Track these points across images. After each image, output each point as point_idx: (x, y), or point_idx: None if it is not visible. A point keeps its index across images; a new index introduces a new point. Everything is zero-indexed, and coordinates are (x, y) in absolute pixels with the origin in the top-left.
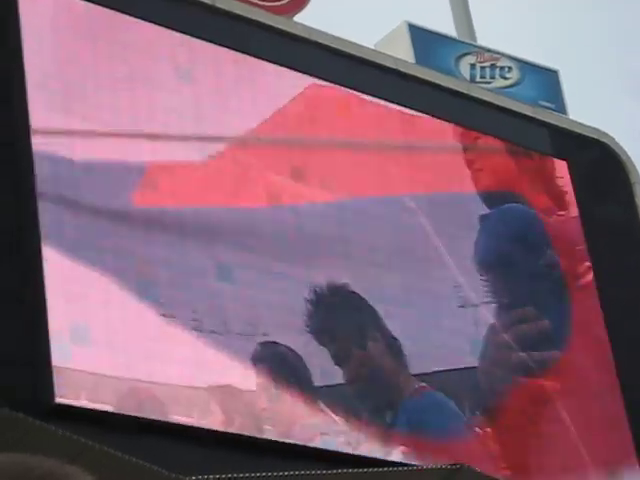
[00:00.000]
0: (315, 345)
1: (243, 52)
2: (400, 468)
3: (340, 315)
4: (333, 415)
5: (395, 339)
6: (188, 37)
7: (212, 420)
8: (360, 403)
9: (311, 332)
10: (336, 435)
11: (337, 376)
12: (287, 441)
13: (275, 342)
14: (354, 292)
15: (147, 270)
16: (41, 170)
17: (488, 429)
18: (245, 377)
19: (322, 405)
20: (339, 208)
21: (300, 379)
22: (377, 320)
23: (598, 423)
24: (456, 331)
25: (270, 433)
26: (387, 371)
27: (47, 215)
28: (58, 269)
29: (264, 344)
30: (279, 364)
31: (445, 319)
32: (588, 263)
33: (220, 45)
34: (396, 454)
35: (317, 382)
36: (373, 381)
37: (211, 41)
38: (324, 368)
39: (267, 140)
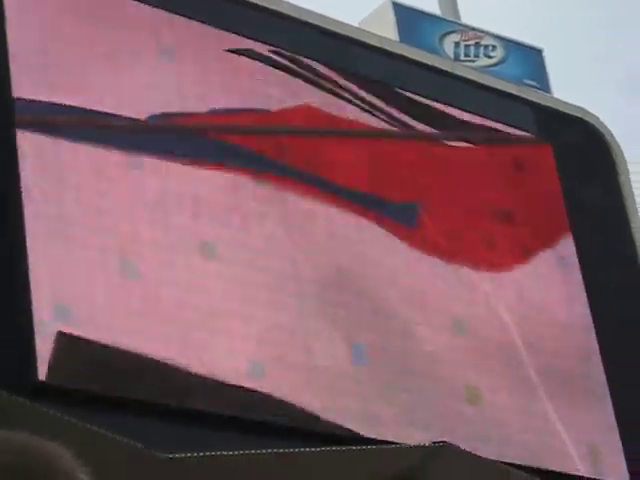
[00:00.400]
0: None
1: (226, 30)
2: (381, 447)
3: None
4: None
5: None
6: (172, 15)
7: (197, 399)
8: None
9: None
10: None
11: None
12: (268, 420)
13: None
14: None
15: (131, 248)
16: (23, 146)
17: None
18: (231, 355)
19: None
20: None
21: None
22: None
23: (580, 398)
24: None
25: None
26: None
27: (31, 192)
28: (41, 247)
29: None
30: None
31: None
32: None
33: (204, 23)
34: None
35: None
36: None
37: (196, 19)
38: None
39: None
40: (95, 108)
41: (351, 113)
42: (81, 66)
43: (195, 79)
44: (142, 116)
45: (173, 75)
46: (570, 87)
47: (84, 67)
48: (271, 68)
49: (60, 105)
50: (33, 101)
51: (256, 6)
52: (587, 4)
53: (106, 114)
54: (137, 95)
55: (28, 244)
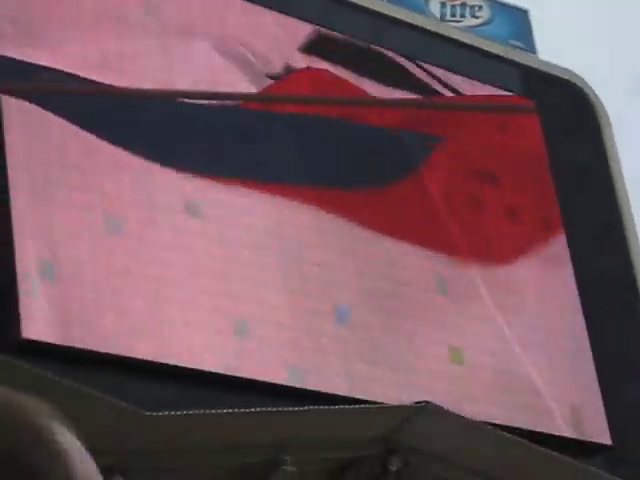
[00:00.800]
0: None
1: None
2: (364, 406)
3: None
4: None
5: None
6: None
7: (179, 355)
8: None
9: None
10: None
11: None
12: (249, 377)
13: None
14: None
15: (114, 207)
16: (9, 109)
17: None
18: (215, 313)
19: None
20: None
21: None
22: None
23: (562, 360)
24: None
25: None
26: None
27: (15, 152)
28: (25, 205)
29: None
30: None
31: None
32: None
33: None
34: None
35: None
36: None
37: None
38: None
39: None
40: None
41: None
42: (64, 26)
43: (179, 39)
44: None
45: (157, 33)
46: (556, 46)
47: (67, 27)
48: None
49: (42, 67)
50: (13, 60)
51: None
52: None
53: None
54: (123, 54)
55: (12, 203)
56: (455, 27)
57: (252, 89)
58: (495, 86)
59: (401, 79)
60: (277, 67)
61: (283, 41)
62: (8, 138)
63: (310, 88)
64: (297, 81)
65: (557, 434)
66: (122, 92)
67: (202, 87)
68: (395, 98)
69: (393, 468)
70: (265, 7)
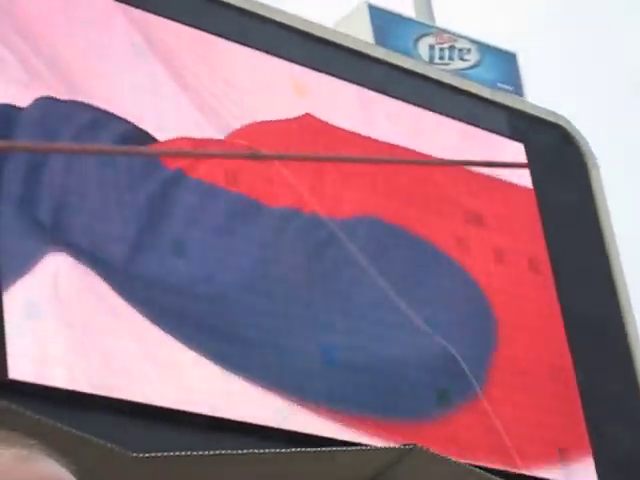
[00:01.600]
0: None
1: (199, 29)
2: (350, 448)
3: None
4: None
5: None
6: (144, 12)
7: (164, 397)
8: None
9: None
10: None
11: None
12: (234, 419)
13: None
14: None
15: (101, 246)
16: None
17: None
18: (197, 357)
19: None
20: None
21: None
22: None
23: (549, 407)
24: None
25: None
26: None
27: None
28: (11, 244)
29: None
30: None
31: None
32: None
33: (176, 21)
34: None
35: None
36: None
37: (168, 17)
38: None
39: None
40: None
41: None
42: (55, 62)
43: (169, 78)
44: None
45: (147, 74)
46: (544, 87)
47: (59, 63)
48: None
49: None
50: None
51: (230, 6)
52: (559, 10)
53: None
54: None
55: None
56: (443, 70)
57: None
58: (483, 129)
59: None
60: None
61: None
62: None
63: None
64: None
65: (544, 477)
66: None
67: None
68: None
69: None
70: (254, 47)
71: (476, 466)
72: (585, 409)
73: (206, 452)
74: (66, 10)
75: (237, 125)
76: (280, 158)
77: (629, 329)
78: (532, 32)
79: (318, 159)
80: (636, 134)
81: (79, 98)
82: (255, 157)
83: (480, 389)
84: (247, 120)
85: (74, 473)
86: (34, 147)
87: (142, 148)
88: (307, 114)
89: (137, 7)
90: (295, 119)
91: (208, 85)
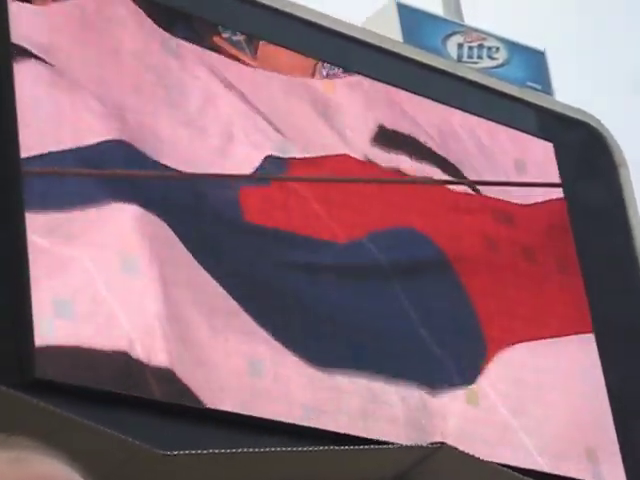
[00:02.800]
0: None
1: (224, 26)
2: (376, 446)
3: None
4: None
5: None
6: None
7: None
8: None
9: None
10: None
11: None
12: (262, 417)
13: None
14: None
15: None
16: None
17: None
18: (227, 354)
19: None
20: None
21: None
22: None
23: (578, 401)
24: None
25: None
26: None
27: (31, 189)
28: (42, 242)
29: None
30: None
31: None
32: None
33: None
34: None
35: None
36: None
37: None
38: None
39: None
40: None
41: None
42: (85, 63)
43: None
44: None
45: (177, 70)
46: (573, 85)
47: (88, 64)
48: None
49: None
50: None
51: (255, 3)
52: (588, 7)
53: None
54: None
55: (29, 240)
56: (472, 68)
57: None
58: (512, 127)
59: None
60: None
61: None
62: (27, 177)
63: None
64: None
65: (573, 477)
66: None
67: None
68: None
69: None
70: (279, 45)
71: (504, 465)
72: (614, 412)
73: (233, 450)
74: None
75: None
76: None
77: None
78: (562, 30)
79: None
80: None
81: None
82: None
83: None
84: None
85: (83, 470)
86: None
87: None
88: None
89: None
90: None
91: None
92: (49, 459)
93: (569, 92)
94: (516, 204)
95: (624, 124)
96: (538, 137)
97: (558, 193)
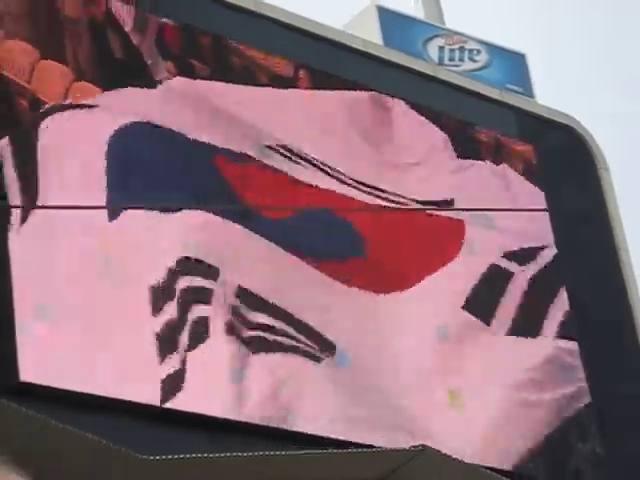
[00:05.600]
0: None
1: (211, 32)
2: (360, 449)
3: None
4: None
5: None
6: None
7: (178, 399)
8: None
9: None
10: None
11: None
12: (247, 421)
13: None
14: None
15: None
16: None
17: None
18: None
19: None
20: None
21: None
22: None
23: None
24: None
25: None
26: None
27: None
28: (23, 248)
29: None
30: None
31: None
32: None
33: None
34: None
35: None
36: None
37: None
38: None
39: None
40: None
41: None
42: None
43: None
44: None
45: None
46: (554, 88)
47: None
48: None
49: None
50: None
51: (240, 8)
52: (572, 10)
53: None
54: None
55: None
56: (453, 71)
57: None
58: (493, 129)
59: None
60: None
61: None
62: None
63: None
64: None
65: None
66: None
67: None
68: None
69: None
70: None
71: (486, 467)
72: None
73: (213, 454)
74: None
75: None
76: None
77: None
78: (542, 33)
79: None
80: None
81: None
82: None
83: None
84: None
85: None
86: None
87: None
88: None
89: None
90: None
91: None
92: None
93: (555, 95)
94: None
95: (612, 127)
96: (519, 139)
97: None
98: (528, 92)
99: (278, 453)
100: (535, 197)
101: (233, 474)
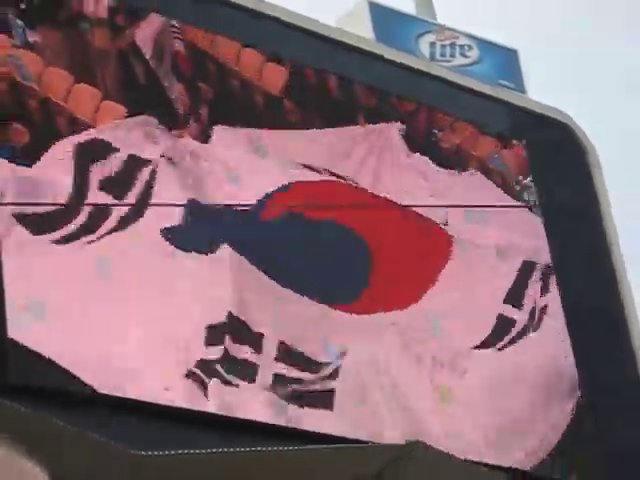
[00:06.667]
0: None
1: (202, 28)
2: (355, 445)
3: None
4: None
5: None
6: None
7: (171, 395)
8: None
9: None
10: None
11: None
12: (236, 416)
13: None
14: None
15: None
16: None
17: None
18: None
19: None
20: None
21: None
22: None
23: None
24: None
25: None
26: None
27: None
28: (16, 246)
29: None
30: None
31: None
32: None
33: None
34: None
35: None
36: None
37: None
38: None
39: None
40: None
41: None
42: None
43: None
44: None
45: None
46: (546, 84)
47: None
48: None
49: None
50: None
51: (236, 5)
52: (562, 4)
53: None
54: None
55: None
56: (445, 67)
57: None
58: (484, 125)
59: None
60: None
61: None
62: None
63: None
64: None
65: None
66: None
67: None
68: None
69: None
70: (257, 46)
71: (479, 463)
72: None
73: (211, 450)
74: None
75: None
76: None
77: (632, 328)
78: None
79: None
80: (632, 133)
81: None
82: None
83: None
84: None
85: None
86: None
87: None
88: None
89: None
90: None
91: None
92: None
93: (549, 92)
94: None
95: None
96: (510, 135)
97: None
98: (520, 88)
99: (274, 449)
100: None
101: (230, 470)
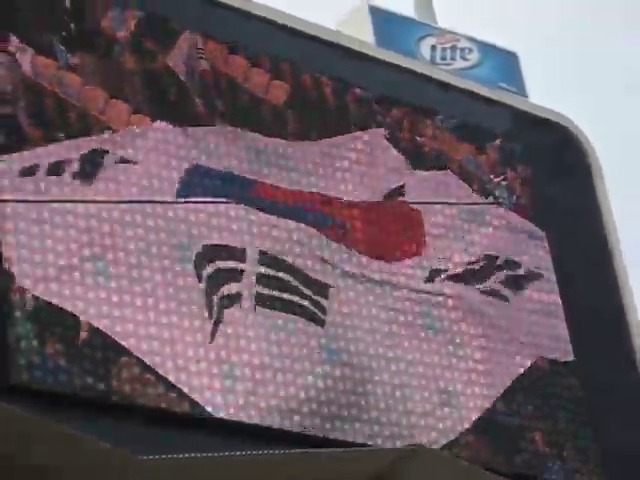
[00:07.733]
0: None
1: (198, 32)
2: (355, 449)
3: None
4: None
5: None
6: None
7: (178, 399)
8: None
9: None
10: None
11: None
12: (234, 420)
13: None
14: None
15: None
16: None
17: None
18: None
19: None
20: None
21: None
22: None
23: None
24: None
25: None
26: None
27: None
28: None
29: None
30: None
31: None
32: None
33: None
34: None
35: None
36: None
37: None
38: None
39: None
40: None
41: None
42: None
43: None
44: None
45: None
46: (547, 87)
47: None
48: None
49: None
50: None
51: (233, 8)
52: (561, 7)
53: None
54: None
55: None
56: (445, 70)
57: None
58: (485, 128)
59: None
60: None
61: None
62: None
63: None
64: None
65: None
66: None
67: None
68: None
69: None
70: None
71: (482, 466)
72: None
73: (211, 454)
74: None
75: None
76: None
77: (632, 329)
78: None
79: None
80: (631, 133)
81: None
82: None
83: None
84: None
85: None
86: None
87: None
88: None
89: None
90: None
91: None
92: None
93: (548, 93)
94: None
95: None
96: (510, 138)
97: None
98: (521, 91)
99: (273, 453)
100: None
101: (230, 474)
